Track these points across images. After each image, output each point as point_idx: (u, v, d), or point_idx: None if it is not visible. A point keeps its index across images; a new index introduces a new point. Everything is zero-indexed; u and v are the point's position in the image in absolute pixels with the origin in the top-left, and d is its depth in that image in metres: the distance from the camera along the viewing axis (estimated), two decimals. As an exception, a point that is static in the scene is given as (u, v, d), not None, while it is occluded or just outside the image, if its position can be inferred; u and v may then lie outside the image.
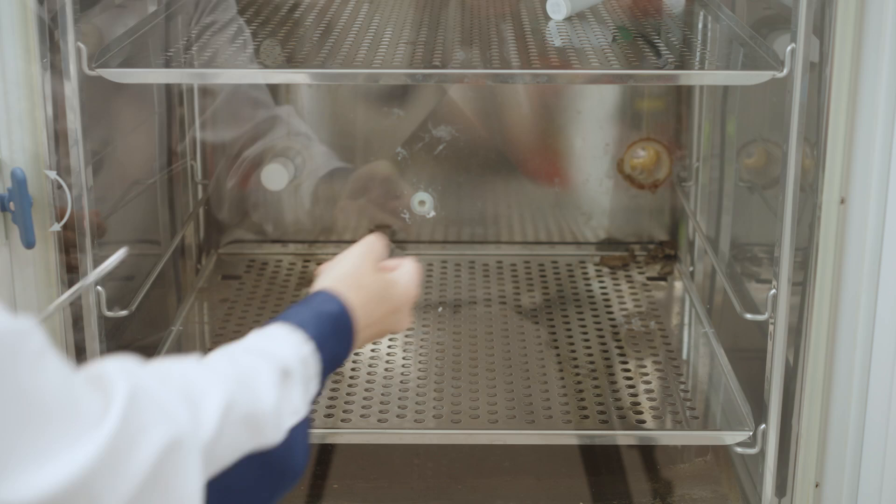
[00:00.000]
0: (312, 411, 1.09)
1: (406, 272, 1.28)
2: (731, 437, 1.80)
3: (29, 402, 0.76)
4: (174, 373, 0.95)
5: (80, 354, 1.72)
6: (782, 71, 1.59)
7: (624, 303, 2.33)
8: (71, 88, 1.61)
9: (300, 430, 1.04)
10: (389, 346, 2.13)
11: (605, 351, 2.11)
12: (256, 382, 1.01)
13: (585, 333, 2.18)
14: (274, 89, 2.44)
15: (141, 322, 2.02)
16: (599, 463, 2.13)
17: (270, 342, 1.08)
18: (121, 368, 0.87)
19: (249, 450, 0.98)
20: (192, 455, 0.88)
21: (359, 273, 1.22)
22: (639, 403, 1.91)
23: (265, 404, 0.99)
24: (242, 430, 0.97)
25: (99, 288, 1.71)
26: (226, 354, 1.04)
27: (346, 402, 1.91)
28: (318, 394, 1.12)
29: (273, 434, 1.00)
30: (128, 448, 0.82)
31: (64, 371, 0.81)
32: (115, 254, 1.24)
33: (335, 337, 1.13)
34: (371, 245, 1.27)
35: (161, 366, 0.94)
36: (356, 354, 2.09)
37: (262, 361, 1.03)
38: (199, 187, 2.46)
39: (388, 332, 1.26)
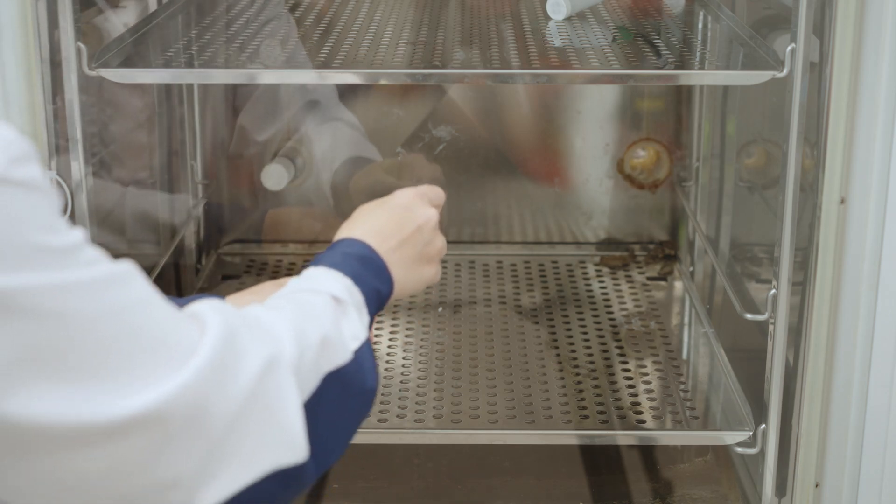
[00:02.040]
0: (372, 339, 1.14)
1: (401, 192, 1.34)
2: (731, 437, 1.80)
3: (143, 332, 0.84)
4: (248, 314, 1.00)
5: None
6: (782, 71, 1.59)
7: (624, 303, 2.33)
8: (71, 88, 1.61)
9: (364, 351, 1.10)
10: (389, 346, 2.13)
11: (605, 351, 2.11)
12: (315, 311, 1.07)
13: (585, 333, 2.18)
14: (275, 89, 2.44)
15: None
16: (599, 463, 2.13)
17: (313, 282, 1.14)
18: (209, 306, 0.93)
19: (326, 371, 1.03)
20: (288, 373, 0.94)
21: (367, 215, 1.29)
22: (639, 403, 1.91)
23: (328, 328, 1.05)
24: (316, 354, 1.02)
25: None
26: (280, 297, 1.11)
27: (346, 402, 1.91)
28: (371, 323, 1.17)
29: (342, 355, 1.06)
30: (229, 366, 0.89)
31: (166, 304, 0.88)
32: None
33: (369, 272, 1.19)
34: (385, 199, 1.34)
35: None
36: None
37: (312, 295, 1.10)
38: (199, 187, 2.46)
39: (427, 260, 1.31)
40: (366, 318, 1.15)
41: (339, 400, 1.04)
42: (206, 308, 0.93)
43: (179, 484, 0.86)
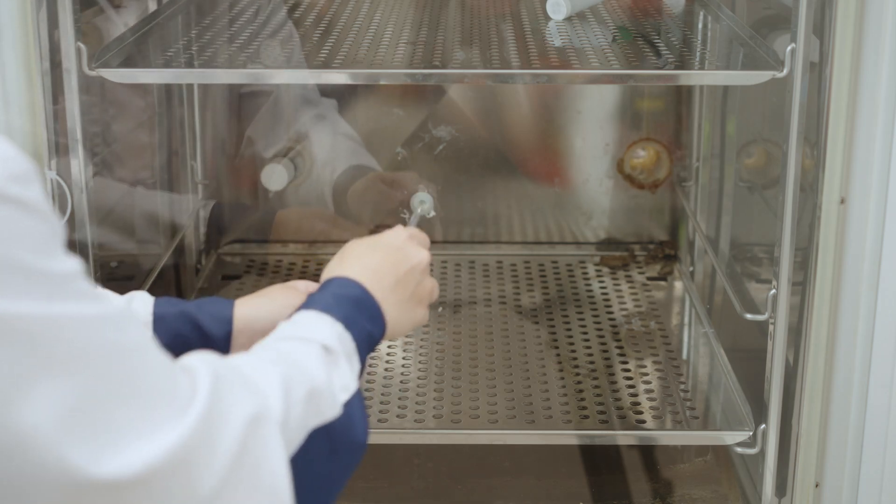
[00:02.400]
0: (364, 389, 1.11)
1: (393, 232, 1.32)
2: (731, 437, 1.80)
3: (135, 379, 0.80)
4: (234, 364, 0.98)
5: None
6: (782, 71, 1.59)
7: (624, 303, 2.33)
8: (71, 88, 1.61)
9: (354, 403, 1.07)
10: (389, 346, 2.13)
11: (605, 351, 2.11)
12: (304, 363, 1.04)
13: (585, 333, 2.18)
14: (275, 89, 2.44)
15: (141, 322, 2.01)
16: (599, 463, 2.13)
17: (302, 327, 1.11)
18: (201, 359, 0.91)
19: (313, 426, 1.00)
20: (274, 430, 0.92)
21: (360, 253, 1.25)
22: (639, 403, 1.91)
23: (318, 381, 1.03)
24: (304, 408, 0.99)
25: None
26: (265, 346, 1.08)
27: (346, 402, 1.91)
28: (363, 371, 1.14)
29: (331, 409, 1.03)
30: (217, 423, 0.86)
31: (161, 352, 0.85)
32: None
33: (362, 316, 1.16)
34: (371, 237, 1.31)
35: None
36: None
37: (302, 344, 1.07)
38: (199, 187, 2.46)
39: (418, 301, 1.28)
40: (356, 366, 1.12)
41: (327, 455, 1.02)
42: (196, 361, 0.90)
43: None
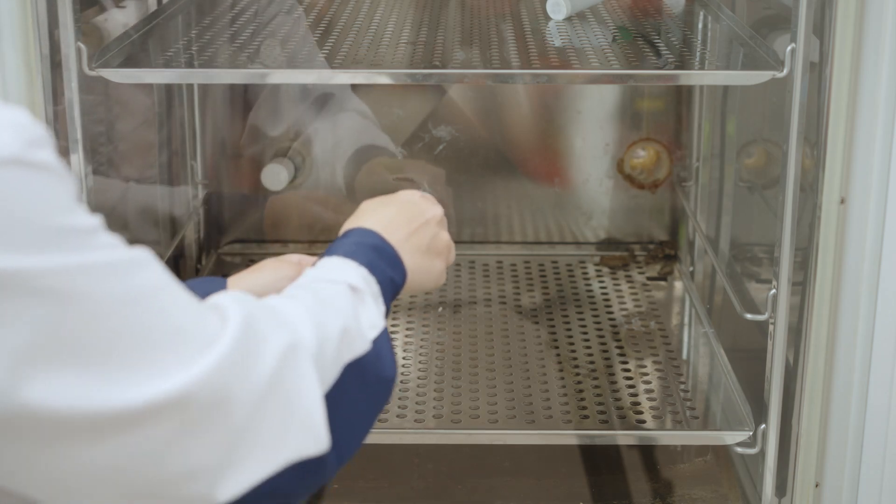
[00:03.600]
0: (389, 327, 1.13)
1: (406, 191, 1.35)
2: (731, 437, 1.80)
3: (164, 318, 0.83)
4: (266, 304, 1.00)
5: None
6: (782, 71, 1.59)
7: (624, 303, 2.33)
8: (71, 88, 1.61)
9: (382, 340, 1.09)
10: (389, 346, 2.13)
11: (605, 351, 2.11)
12: (334, 301, 1.06)
13: (585, 333, 2.18)
14: (275, 89, 2.44)
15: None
16: (599, 463, 2.13)
17: (329, 271, 1.13)
18: (232, 297, 0.93)
19: (346, 361, 1.02)
20: (308, 362, 0.94)
21: (374, 208, 1.29)
22: (639, 403, 1.91)
23: (347, 318, 1.05)
24: (336, 344, 1.01)
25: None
26: (297, 287, 1.10)
27: (346, 402, 1.91)
28: (388, 313, 1.17)
29: (361, 344, 1.05)
30: (250, 354, 0.88)
31: (186, 291, 0.88)
32: None
33: (383, 261, 1.19)
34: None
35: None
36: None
37: (329, 285, 1.10)
38: (199, 187, 2.46)
39: (436, 253, 1.32)
40: (382, 306, 1.15)
41: (358, 390, 1.03)
42: (226, 299, 0.92)
43: (199, 475, 0.85)
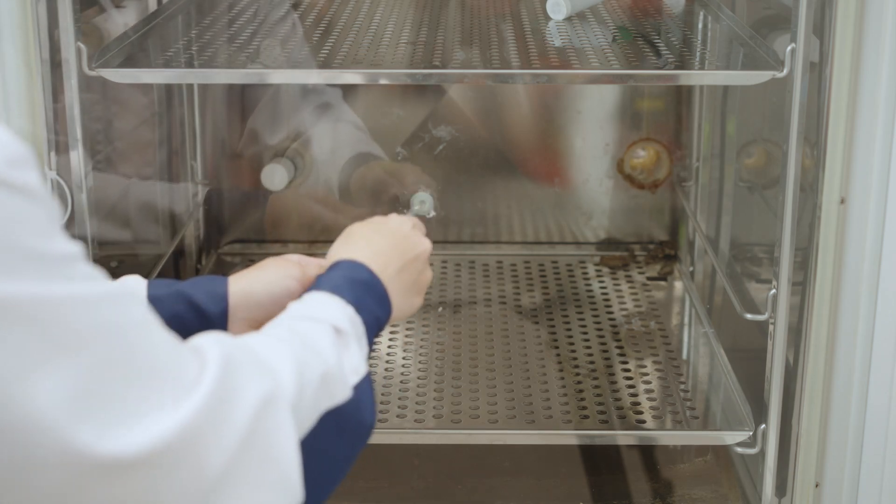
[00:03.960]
0: (370, 371, 1.12)
1: (398, 219, 1.33)
2: (731, 437, 1.80)
3: (139, 358, 0.80)
4: (247, 344, 0.97)
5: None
6: (782, 71, 1.59)
7: (624, 303, 2.33)
8: (71, 88, 1.61)
9: (364, 385, 1.07)
10: (389, 346, 2.13)
11: (605, 351, 2.11)
12: (316, 344, 1.04)
13: (585, 333, 2.18)
14: (275, 89, 2.45)
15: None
16: (599, 463, 2.13)
17: (314, 308, 1.11)
18: (213, 339, 0.90)
19: (324, 409, 1.00)
20: (285, 411, 0.91)
21: (367, 237, 1.26)
22: (639, 403, 1.91)
23: (329, 363, 1.02)
24: (316, 390, 0.99)
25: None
26: (277, 325, 1.07)
27: (346, 402, 1.91)
28: (370, 354, 1.14)
29: (342, 391, 1.03)
30: (227, 403, 0.85)
31: (166, 332, 0.84)
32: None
33: (371, 299, 1.16)
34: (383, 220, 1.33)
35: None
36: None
37: (314, 324, 1.07)
38: (199, 187, 2.46)
39: (418, 289, 1.29)
40: (365, 348, 1.12)
41: (335, 438, 1.02)
42: (207, 340, 0.90)
43: None
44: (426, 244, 1.31)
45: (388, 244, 1.25)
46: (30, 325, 0.74)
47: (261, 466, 0.88)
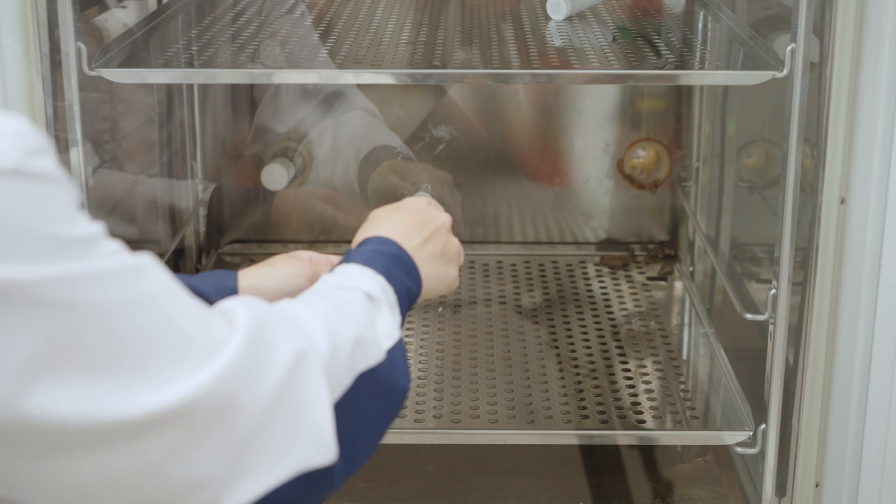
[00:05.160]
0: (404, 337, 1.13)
1: (413, 198, 1.37)
2: (731, 437, 1.80)
3: (169, 323, 0.82)
4: (278, 308, 0.99)
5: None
6: (782, 71, 1.59)
7: (624, 303, 2.33)
8: (71, 88, 1.61)
9: (397, 350, 1.09)
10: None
11: (605, 351, 2.11)
12: (349, 308, 1.06)
13: (585, 333, 2.18)
14: (275, 89, 2.45)
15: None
16: (599, 463, 2.13)
17: (346, 278, 1.13)
18: (241, 302, 0.92)
19: (359, 370, 1.02)
20: (318, 370, 0.93)
21: (386, 217, 1.29)
22: (639, 403, 1.91)
23: (362, 327, 1.04)
24: (349, 352, 1.00)
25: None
26: (313, 293, 1.09)
27: (346, 402, 1.91)
28: (403, 323, 1.16)
29: (375, 353, 1.05)
30: (257, 362, 0.87)
31: (191, 297, 0.87)
32: None
33: (400, 270, 1.19)
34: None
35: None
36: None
37: (346, 292, 1.09)
38: (200, 187, 2.46)
39: (448, 259, 1.31)
40: (398, 316, 1.14)
41: (370, 400, 1.03)
42: (236, 304, 0.92)
43: (205, 485, 0.84)
44: (444, 215, 1.34)
45: (407, 219, 1.28)
46: (62, 307, 0.76)
47: (294, 423, 0.89)
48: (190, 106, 2.39)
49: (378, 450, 2.19)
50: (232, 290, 1.27)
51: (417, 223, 1.29)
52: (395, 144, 2.41)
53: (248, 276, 1.30)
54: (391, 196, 2.37)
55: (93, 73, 1.61)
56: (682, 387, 1.97)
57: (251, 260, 2.51)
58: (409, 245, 1.24)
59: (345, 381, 0.99)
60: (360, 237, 1.26)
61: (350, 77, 1.79)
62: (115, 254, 0.81)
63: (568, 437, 1.89)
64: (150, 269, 0.83)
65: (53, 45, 1.59)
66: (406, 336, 2.17)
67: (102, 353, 0.78)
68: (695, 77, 1.94)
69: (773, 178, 1.85)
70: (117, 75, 1.66)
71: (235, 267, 2.47)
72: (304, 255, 1.36)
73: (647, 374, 2.01)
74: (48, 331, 0.76)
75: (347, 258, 1.18)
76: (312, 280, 1.29)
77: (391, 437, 1.89)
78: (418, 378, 2.00)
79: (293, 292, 1.26)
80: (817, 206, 1.63)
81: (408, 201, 1.35)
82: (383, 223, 1.27)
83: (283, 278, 1.30)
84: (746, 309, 1.79)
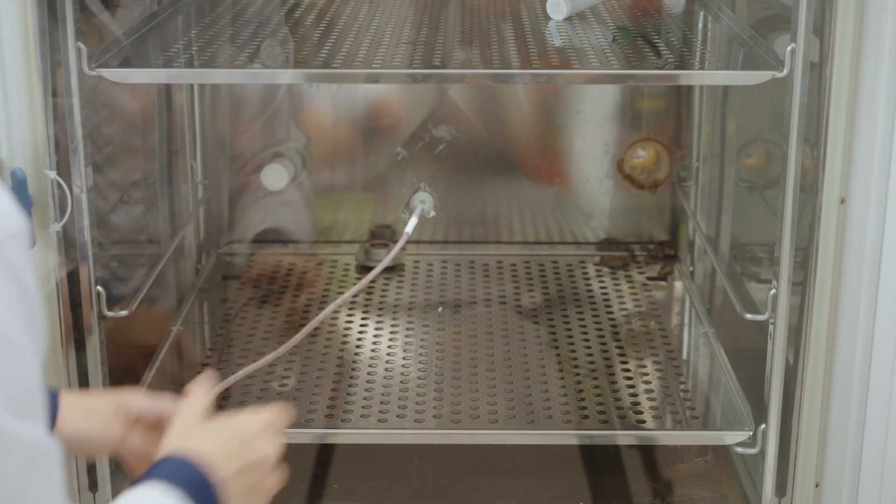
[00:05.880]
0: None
1: (251, 417, 1.25)
2: (731, 437, 1.80)
3: None
4: None
5: (80, 354, 1.72)
6: (782, 71, 1.59)
7: (624, 303, 2.33)
8: (71, 88, 1.60)
9: None
10: (389, 346, 2.13)
11: (605, 351, 2.11)
12: None
13: (585, 333, 2.18)
14: (275, 89, 2.45)
15: (141, 322, 2.02)
16: (599, 463, 2.13)
17: None
18: None
19: None
20: None
21: (210, 433, 1.21)
22: (639, 403, 1.91)
23: None
24: None
25: (99, 288, 1.71)
26: None
27: (346, 402, 1.91)
28: None
29: None
30: None
31: None
32: None
33: (201, 501, 1.12)
34: (196, 399, 1.26)
35: None
36: (356, 355, 2.09)
37: None
38: (199, 187, 2.46)
39: (257, 496, 1.22)
40: None
41: None
42: None
43: None
44: (273, 449, 1.23)
45: (229, 444, 1.19)
46: None
47: None
48: (189, 106, 2.39)
49: (378, 450, 2.20)
50: (52, 415, 1.27)
51: (239, 453, 1.18)
52: None
53: (70, 419, 1.28)
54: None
55: (93, 73, 1.61)
56: (682, 387, 1.97)
57: (251, 260, 2.51)
58: (221, 473, 1.14)
59: None
60: (173, 442, 1.18)
61: (350, 77, 1.79)
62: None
63: (568, 437, 1.89)
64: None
65: (53, 45, 1.59)
66: (406, 336, 2.18)
67: None
68: (695, 77, 1.94)
69: (773, 178, 1.85)
70: (117, 75, 1.66)
71: (234, 268, 2.47)
72: (136, 404, 1.32)
73: (647, 374, 2.01)
74: None
75: (148, 474, 1.11)
76: (132, 427, 1.29)
77: (391, 437, 1.89)
78: (418, 378, 2.00)
79: (107, 443, 1.29)
80: (817, 206, 1.63)
81: (242, 420, 1.23)
82: (201, 441, 1.17)
83: (97, 433, 1.30)
84: (746, 309, 1.79)
